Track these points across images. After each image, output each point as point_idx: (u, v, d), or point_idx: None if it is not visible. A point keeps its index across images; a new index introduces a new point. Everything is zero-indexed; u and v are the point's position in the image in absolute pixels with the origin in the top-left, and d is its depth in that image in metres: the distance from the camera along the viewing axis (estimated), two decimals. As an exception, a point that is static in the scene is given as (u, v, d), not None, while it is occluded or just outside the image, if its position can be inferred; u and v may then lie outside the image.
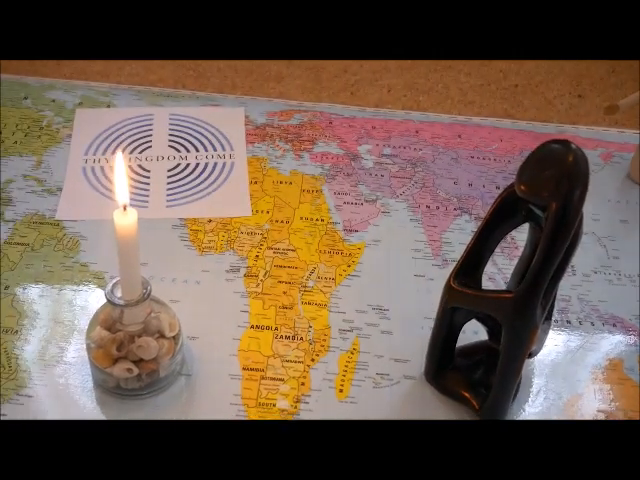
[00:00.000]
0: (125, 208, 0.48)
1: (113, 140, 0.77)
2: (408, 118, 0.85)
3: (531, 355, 0.55)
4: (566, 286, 0.66)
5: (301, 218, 0.71)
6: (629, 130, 0.85)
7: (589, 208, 0.75)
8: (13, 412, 0.53)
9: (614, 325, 0.64)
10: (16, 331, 0.58)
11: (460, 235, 0.70)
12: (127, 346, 0.53)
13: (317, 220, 0.71)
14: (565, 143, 0.44)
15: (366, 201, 0.73)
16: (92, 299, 0.62)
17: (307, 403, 0.56)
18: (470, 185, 0.76)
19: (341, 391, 0.57)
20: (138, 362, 0.54)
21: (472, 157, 0.80)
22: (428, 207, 0.73)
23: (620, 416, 0.57)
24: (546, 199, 0.44)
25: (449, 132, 0.83)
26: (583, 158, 0.44)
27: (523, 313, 0.47)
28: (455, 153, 0.80)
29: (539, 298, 0.46)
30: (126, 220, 0.48)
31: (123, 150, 0.76)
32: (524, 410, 0.57)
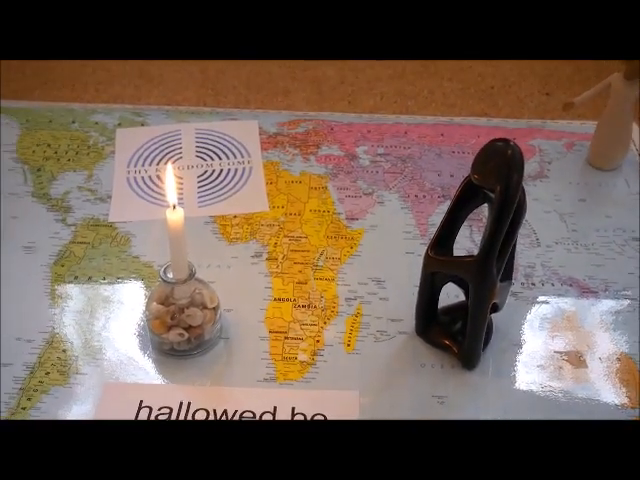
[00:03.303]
0: (174, 207, 0.62)
1: (150, 154, 0.92)
2: (398, 121, 0.99)
3: (497, 309, 0.69)
4: (532, 255, 0.80)
5: (310, 210, 0.85)
6: (589, 121, 0.99)
7: (553, 190, 0.89)
8: (92, 372, 0.68)
9: (570, 285, 0.77)
10: (88, 312, 0.73)
11: (443, 218, 0.84)
12: (178, 316, 0.67)
13: (324, 212, 0.85)
14: (506, 141, 0.58)
15: (364, 194, 0.87)
16: (145, 283, 0.76)
17: (322, 356, 0.70)
18: (452, 176, 0.90)
19: (349, 345, 0.71)
20: (187, 328, 0.68)
21: (453, 152, 0.94)
22: (416, 196, 0.87)
23: (573, 355, 0.70)
24: (493, 184, 0.58)
25: (433, 132, 0.97)
26: (519, 151, 0.58)
27: (482, 272, 0.61)
28: (439, 149, 0.94)
29: (493, 260, 0.60)
30: (175, 216, 0.62)
31: (159, 162, 0.90)
32: (496, 352, 0.70)
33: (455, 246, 0.68)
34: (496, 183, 0.58)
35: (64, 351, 0.69)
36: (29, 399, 0.65)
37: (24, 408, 0.64)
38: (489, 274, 0.61)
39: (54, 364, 0.68)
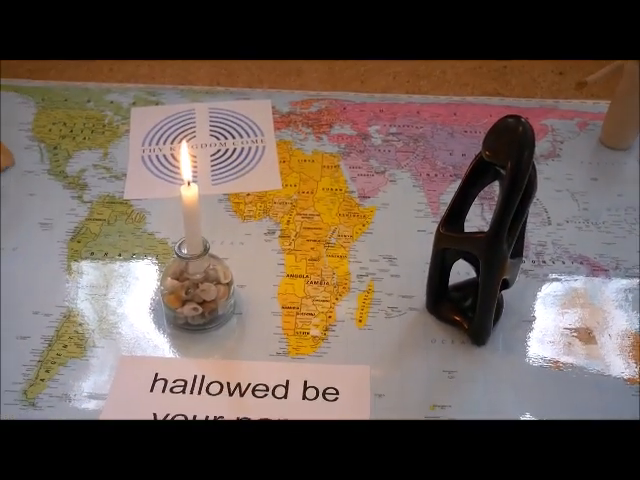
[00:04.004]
0: (189, 183, 0.63)
1: (164, 132, 0.93)
2: (410, 101, 0.99)
3: (507, 286, 0.70)
4: (543, 234, 0.81)
5: (323, 189, 0.86)
6: (602, 101, 0.99)
7: (565, 169, 0.90)
8: (109, 345, 0.69)
9: (581, 263, 0.78)
10: (104, 287, 0.74)
11: (455, 197, 0.85)
12: (193, 291, 0.68)
13: (336, 190, 0.86)
14: (517, 117, 0.59)
15: (376, 172, 0.88)
16: (159, 259, 0.77)
17: (334, 331, 0.71)
18: (463, 155, 0.90)
19: (360, 321, 0.72)
20: (201, 303, 0.69)
21: (465, 131, 0.94)
22: (428, 175, 0.88)
23: (582, 332, 0.71)
24: (503, 160, 0.59)
25: (446, 111, 0.97)
26: (530, 128, 0.58)
27: (492, 248, 0.61)
28: (451, 129, 0.94)
29: (504, 235, 0.61)
30: (190, 192, 0.63)
31: (173, 141, 0.91)
32: (506, 328, 0.71)
33: (466, 224, 0.68)
34: (507, 159, 0.58)
35: (81, 325, 0.70)
36: (47, 371, 0.66)
37: (42, 380, 0.66)
38: (499, 249, 0.62)
39: (71, 337, 0.69)
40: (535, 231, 0.81)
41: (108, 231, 0.80)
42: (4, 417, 0.63)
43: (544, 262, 0.78)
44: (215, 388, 0.66)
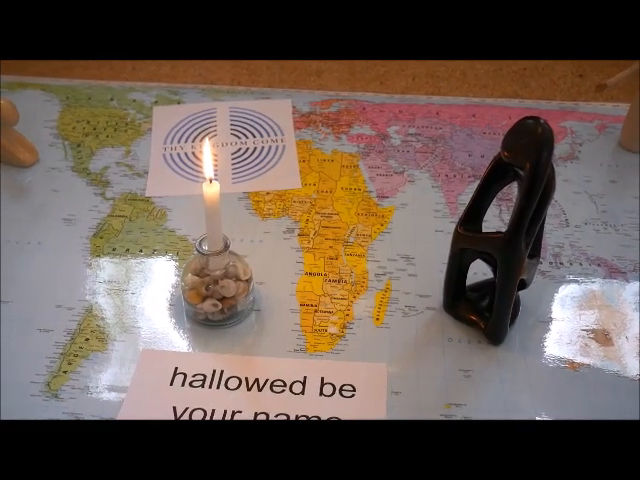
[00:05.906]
0: (211, 181, 0.64)
1: (185, 131, 0.94)
2: (430, 102, 1.00)
3: (524, 286, 0.70)
4: (561, 235, 0.81)
5: (342, 188, 0.86)
6: (622, 104, 0.99)
7: (584, 171, 0.90)
8: (130, 339, 0.70)
9: (599, 265, 0.78)
10: (125, 282, 0.76)
11: (473, 197, 0.85)
12: (212, 287, 0.69)
13: (355, 189, 0.86)
14: (536, 119, 0.59)
15: (395, 173, 0.89)
16: (180, 255, 0.78)
17: (351, 329, 0.72)
18: (482, 156, 0.91)
19: (377, 319, 0.73)
20: (221, 299, 0.70)
21: (484, 133, 0.94)
22: (447, 176, 0.88)
23: (599, 333, 0.71)
24: (522, 161, 0.59)
25: (465, 112, 0.98)
26: (549, 129, 0.58)
27: (510, 248, 0.62)
28: (470, 130, 0.95)
29: (522, 235, 0.61)
30: (212, 189, 0.64)
31: (194, 139, 0.93)
32: (522, 329, 0.71)
33: (484, 225, 0.69)
34: (526, 160, 0.59)
35: (102, 319, 0.72)
36: (70, 363, 0.68)
37: (65, 372, 0.67)
38: (517, 249, 0.62)
39: (93, 331, 0.71)
40: (553, 232, 0.81)
41: (130, 228, 0.81)
42: (28, 409, 0.64)
43: (561, 264, 0.78)
44: (234, 383, 0.67)
